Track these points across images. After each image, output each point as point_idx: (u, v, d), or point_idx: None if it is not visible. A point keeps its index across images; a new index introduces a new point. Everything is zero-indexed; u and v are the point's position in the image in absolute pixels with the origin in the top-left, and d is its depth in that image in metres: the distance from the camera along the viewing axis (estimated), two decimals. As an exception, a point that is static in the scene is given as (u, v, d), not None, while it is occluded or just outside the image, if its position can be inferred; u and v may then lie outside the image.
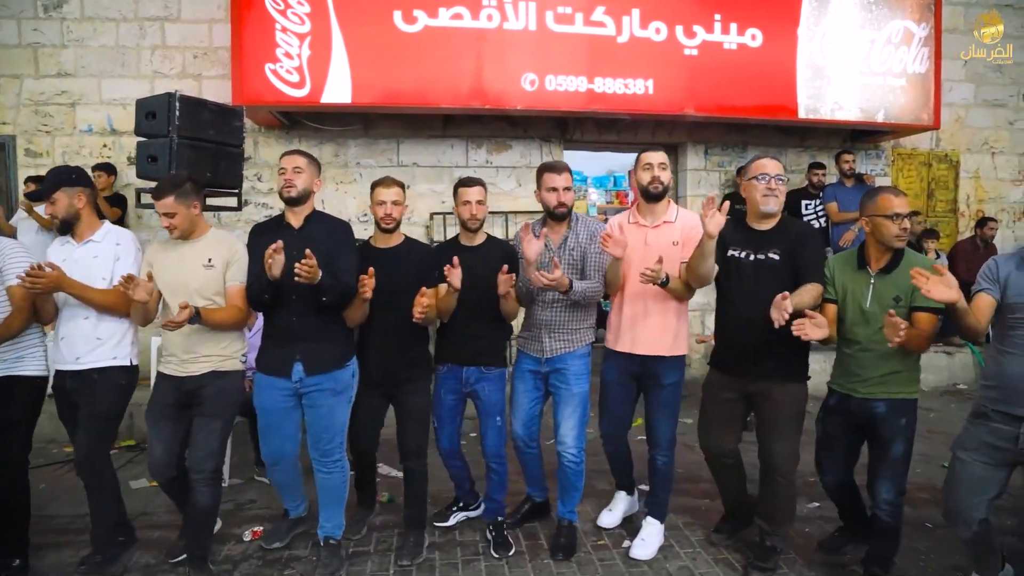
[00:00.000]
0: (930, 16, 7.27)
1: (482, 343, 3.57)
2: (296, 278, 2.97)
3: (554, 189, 3.43)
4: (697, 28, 6.55)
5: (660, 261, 3.12)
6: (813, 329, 2.77)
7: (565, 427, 3.50)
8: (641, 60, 6.45)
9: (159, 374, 3.34)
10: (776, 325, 2.78)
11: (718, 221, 2.93)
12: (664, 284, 3.21)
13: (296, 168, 3.29)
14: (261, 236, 3.30)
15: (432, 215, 6.96)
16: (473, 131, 7.03)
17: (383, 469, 4.77)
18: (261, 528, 3.84)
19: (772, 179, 3.12)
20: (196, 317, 3.02)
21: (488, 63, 6.19)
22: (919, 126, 7.42)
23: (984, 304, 2.71)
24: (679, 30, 6.51)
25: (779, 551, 3.36)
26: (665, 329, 3.44)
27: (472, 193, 3.49)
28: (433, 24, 6.07)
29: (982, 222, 7.90)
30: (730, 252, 3.23)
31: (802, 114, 6.89)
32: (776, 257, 3.11)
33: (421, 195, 6.96)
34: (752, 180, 3.18)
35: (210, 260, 3.23)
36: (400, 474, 4.73)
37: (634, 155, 9.13)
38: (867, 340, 2.98)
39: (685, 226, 3.42)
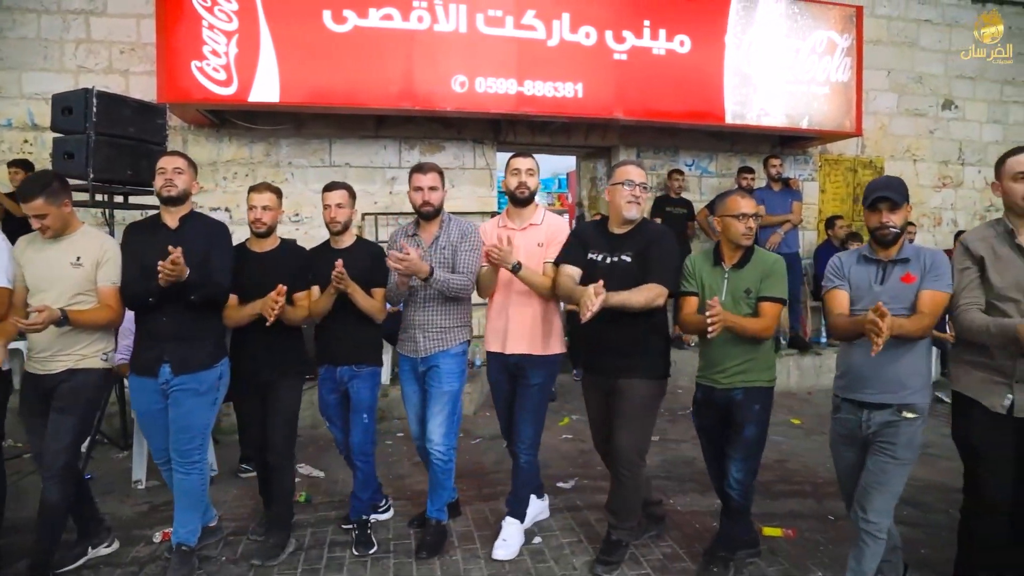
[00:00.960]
0: (852, 28, 7.52)
1: (353, 341, 3.61)
2: (160, 276, 2.99)
3: (419, 189, 3.52)
4: (627, 33, 6.67)
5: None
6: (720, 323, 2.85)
7: (433, 424, 3.55)
8: (571, 64, 6.53)
9: (24, 373, 3.29)
10: (581, 319, 2.90)
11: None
12: (515, 270, 3.33)
13: (176, 168, 3.33)
14: (135, 235, 3.35)
15: (364, 215, 6.95)
16: (406, 132, 7.04)
17: (304, 469, 4.77)
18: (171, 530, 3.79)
19: (637, 186, 3.25)
20: (64, 320, 3.00)
21: (418, 64, 6.20)
22: (842, 133, 7.66)
23: (842, 298, 2.87)
24: (608, 35, 6.62)
25: (625, 545, 3.45)
26: (534, 329, 3.53)
27: (333, 197, 3.59)
28: (363, 24, 6.07)
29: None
30: (590, 255, 3.33)
31: (729, 119, 7.06)
32: (628, 259, 3.23)
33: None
34: (617, 185, 3.28)
35: (79, 259, 3.19)
36: (321, 473, 4.76)
37: (571, 158, 9.31)
38: (723, 338, 3.07)
39: (550, 228, 3.56)
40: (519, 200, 3.57)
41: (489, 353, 3.69)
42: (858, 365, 2.83)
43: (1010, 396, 2.64)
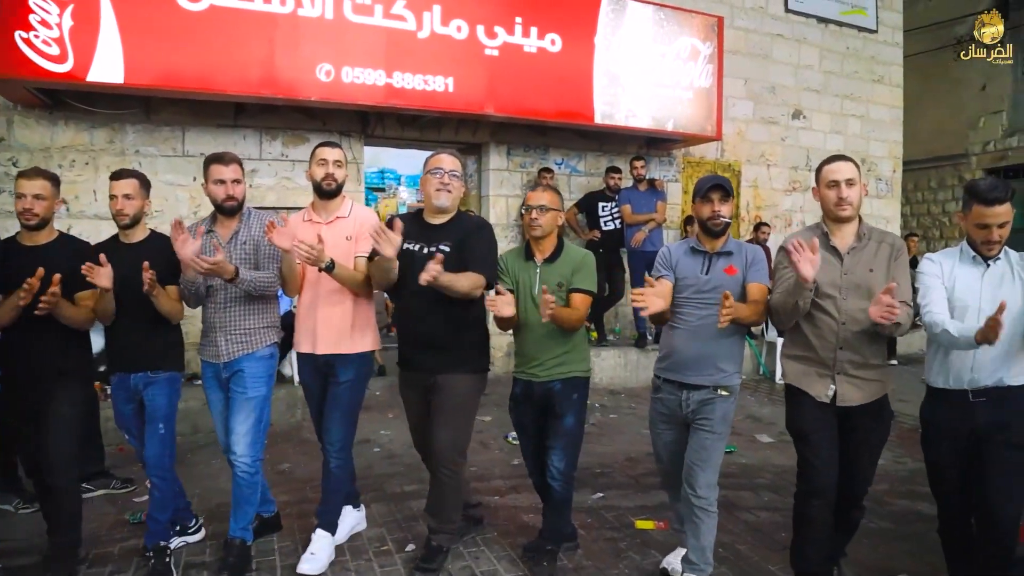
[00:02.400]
0: (714, 36, 7.83)
1: (146, 346, 3.27)
2: None
3: (222, 181, 3.25)
4: (498, 29, 6.61)
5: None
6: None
7: (237, 434, 3.27)
8: (442, 57, 6.39)
9: None
10: (422, 280, 2.85)
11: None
12: (329, 270, 3.17)
13: (36, 196, 3.08)
14: None
15: (222, 209, 6.51)
16: (268, 122, 6.65)
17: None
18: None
19: (446, 174, 3.21)
20: None
21: (281, 50, 5.85)
22: (704, 136, 7.96)
23: (667, 288, 3.00)
24: (480, 30, 6.53)
25: (446, 551, 3.35)
26: (344, 326, 3.38)
27: (120, 187, 3.25)
28: (220, 4, 5.63)
29: (758, 227, 8.62)
30: (406, 246, 3.20)
31: (598, 119, 7.16)
32: (447, 249, 3.14)
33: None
34: (427, 174, 3.24)
35: None
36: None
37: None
38: (538, 324, 3.14)
39: (358, 220, 3.40)
40: (326, 192, 3.38)
41: (300, 354, 3.49)
42: (678, 347, 3.02)
43: (833, 386, 2.85)
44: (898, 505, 4.16)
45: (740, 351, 3.09)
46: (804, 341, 2.91)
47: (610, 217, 7.44)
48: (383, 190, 14.22)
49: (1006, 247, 2.78)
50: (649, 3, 7.45)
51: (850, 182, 2.82)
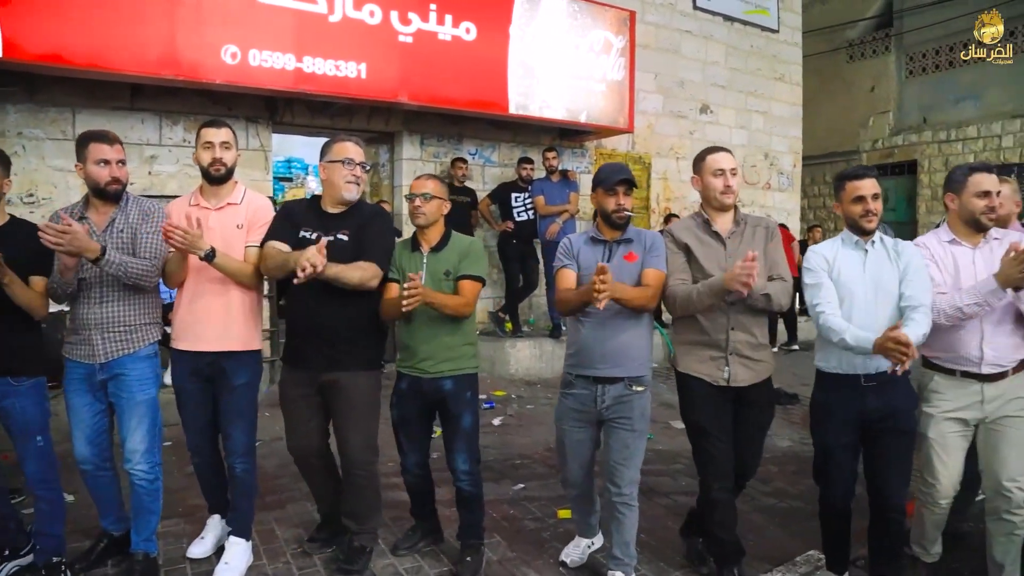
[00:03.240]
0: (626, 30, 7.94)
1: (5, 347, 2.93)
2: None
3: (106, 162, 2.97)
4: (412, 15, 6.49)
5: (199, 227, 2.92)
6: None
7: (133, 440, 3.04)
8: (354, 42, 6.22)
9: None
10: (295, 280, 2.76)
11: None
12: (209, 258, 2.95)
13: None
14: None
15: (118, 196, 6.13)
16: (168, 105, 6.29)
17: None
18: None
19: (357, 166, 3.10)
20: None
21: (183, 29, 5.55)
22: (616, 129, 8.08)
23: (570, 277, 3.03)
24: (394, 15, 6.40)
25: (369, 551, 3.29)
26: (232, 323, 3.15)
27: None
28: (114, -22, 5.30)
29: (667, 218, 8.83)
30: (302, 233, 3.08)
31: (512, 110, 7.15)
32: (345, 238, 3.07)
33: (104, 173, 6.10)
34: (336, 163, 3.09)
35: None
36: (71, 497, 4.02)
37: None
38: (425, 316, 3.10)
39: (251, 208, 3.22)
40: (215, 178, 3.13)
41: (176, 352, 3.20)
42: (587, 341, 3.01)
43: (727, 368, 2.96)
44: (806, 485, 4.32)
45: (649, 341, 3.10)
46: (697, 326, 3.01)
47: (523, 208, 7.44)
48: (291, 180, 13.75)
49: (881, 234, 2.95)
50: (563, -5, 7.48)
51: (733, 171, 2.99)
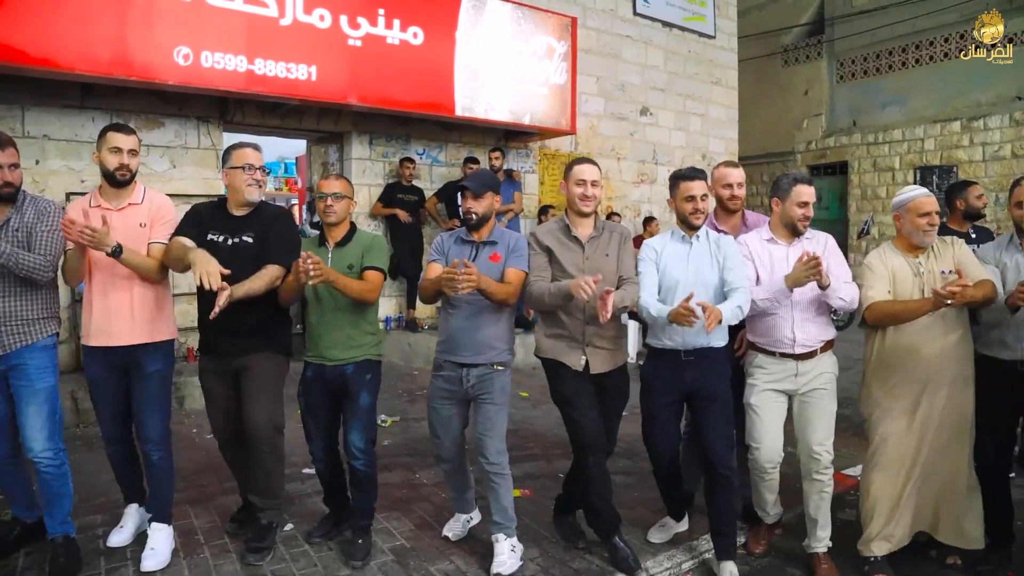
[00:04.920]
0: (567, 36, 8.27)
1: None
2: None
3: None
4: (361, 20, 6.70)
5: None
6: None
7: (32, 429, 3.13)
8: (304, 45, 6.41)
9: None
10: (218, 307, 2.89)
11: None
12: (115, 254, 3.03)
13: None
14: None
15: (69, 195, 6.20)
16: (119, 104, 6.38)
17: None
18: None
19: (257, 170, 3.29)
20: None
21: (134, 30, 5.66)
22: (559, 130, 8.41)
23: (435, 270, 3.27)
24: (343, 20, 6.60)
25: (276, 526, 3.47)
26: (143, 315, 3.27)
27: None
28: (63, -24, 5.37)
29: (609, 216, 9.18)
30: (210, 236, 3.25)
31: (459, 112, 7.41)
32: (250, 240, 3.26)
33: (55, 172, 6.15)
34: (236, 169, 3.25)
35: None
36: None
37: (302, 142, 9.07)
38: (329, 306, 3.32)
39: (153, 206, 3.33)
40: (119, 182, 3.23)
41: (88, 348, 3.30)
42: (455, 331, 3.30)
43: (584, 357, 3.27)
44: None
45: (510, 330, 3.39)
46: (558, 321, 3.31)
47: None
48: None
49: (706, 228, 3.34)
50: (507, 1, 7.78)
51: (595, 183, 3.28)
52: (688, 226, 3.29)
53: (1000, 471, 3.43)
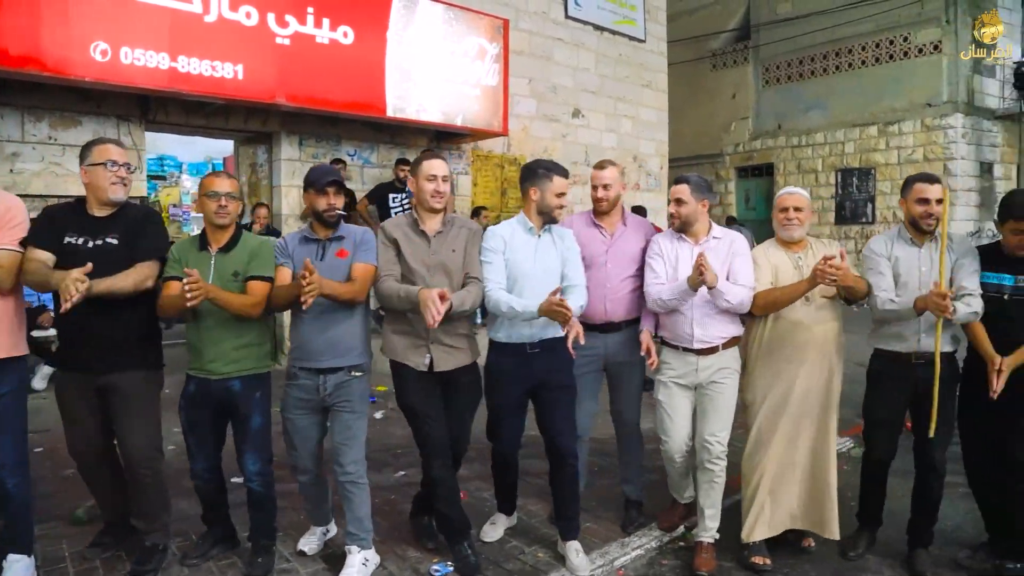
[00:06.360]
0: (499, 38, 8.31)
1: None
2: None
3: None
4: (290, 18, 6.59)
5: None
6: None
7: None
8: (230, 43, 6.27)
9: None
10: (62, 308, 2.73)
11: None
12: None
13: None
14: None
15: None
16: (32, 101, 6.12)
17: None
18: None
19: (121, 167, 3.06)
20: None
21: (48, 24, 5.44)
22: (491, 131, 8.44)
23: (284, 275, 3.15)
24: (271, 17, 6.48)
25: (162, 548, 3.27)
26: None
27: None
28: (-33, -36, 5.12)
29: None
30: (67, 239, 3.02)
31: (390, 113, 7.37)
32: (114, 241, 3.05)
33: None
34: (98, 166, 3.03)
35: None
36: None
37: (230, 142, 8.86)
38: (212, 316, 3.09)
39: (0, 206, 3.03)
40: None
41: None
42: (306, 336, 3.17)
43: (429, 355, 3.22)
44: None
45: (364, 330, 3.28)
46: (404, 318, 3.23)
47: (400, 208, 7.67)
48: (164, 178, 13.23)
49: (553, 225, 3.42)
50: (439, 2, 7.76)
51: (445, 178, 3.25)
52: (551, 219, 3.36)
53: (885, 463, 3.60)
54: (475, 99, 8.10)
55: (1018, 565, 3.33)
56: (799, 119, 15.34)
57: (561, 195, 3.32)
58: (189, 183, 10.29)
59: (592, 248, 3.62)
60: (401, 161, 7.86)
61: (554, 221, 3.40)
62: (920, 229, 3.37)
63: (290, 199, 7.73)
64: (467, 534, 3.35)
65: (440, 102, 7.78)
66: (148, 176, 10.29)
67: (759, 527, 3.47)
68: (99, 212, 3.09)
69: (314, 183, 3.13)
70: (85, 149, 3.09)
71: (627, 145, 11.32)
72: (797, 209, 3.42)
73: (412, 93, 7.51)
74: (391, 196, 7.70)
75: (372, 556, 3.27)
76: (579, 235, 3.59)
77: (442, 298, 2.92)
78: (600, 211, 3.70)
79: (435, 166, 3.23)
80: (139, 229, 3.10)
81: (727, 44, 16.71)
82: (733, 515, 3.67)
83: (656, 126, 11.86)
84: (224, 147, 9.74)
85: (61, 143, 6.30)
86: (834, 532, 3.48)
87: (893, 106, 13.81)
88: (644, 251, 3.63)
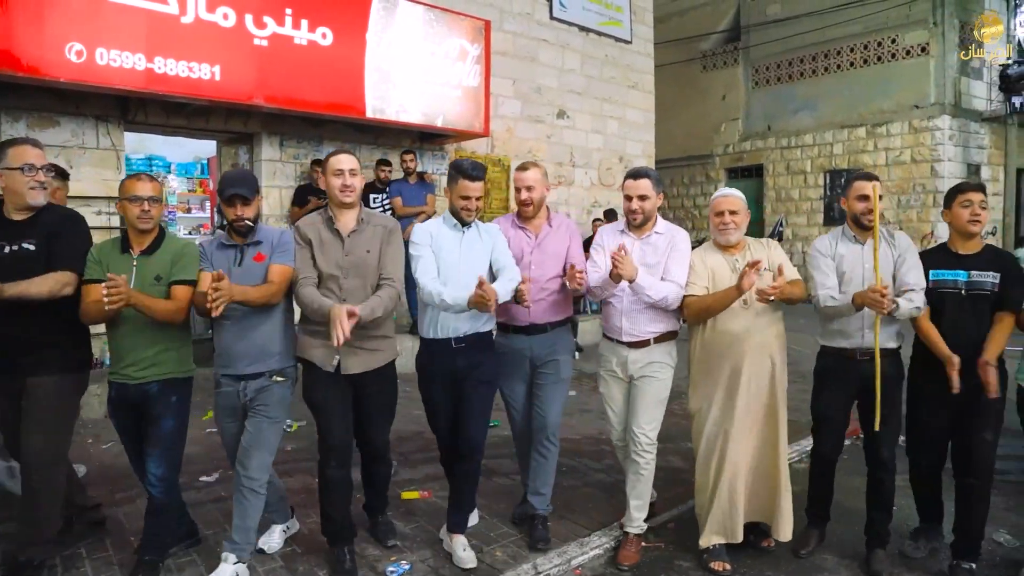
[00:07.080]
0: (481, 39, 8.32)
1: None
2: None
3: None
4: (268, 19, 6.59)
5: None
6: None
7: None
8: (208, 44, 6.27)
9: None
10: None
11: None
12: None
13: None
14: None
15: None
16: (9, 101, 6.12)
17: None
18: None
19: (39, 171, 3.01)
20: None
21: (21, 24, 5.44)
22: (473, 133, 8.46)
23: (204, 280, 3.05)
24: (249, 19, 6.48)
25: (37, 564, 3.11)
26: None
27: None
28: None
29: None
30: None
31: (370, 114, 7.37)
32: (31, 247, 3.00)
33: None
34: (14, 171, 2.97)
35: None
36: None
37: (212, 142, 8.83)
38: (132, 320, 3.03)
39: None
40: None
41: None
42: (227, 342, 3.16)
43: (337, 356, 3.21)
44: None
45: (285, 333, 3.26)
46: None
47: (381, 209, 7.69)
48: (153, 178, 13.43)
49: (477, 220, 3.46)
50: (419, 3, 7.77)
51: (352, 172, 3.23)
52: (460, 220, 3.40)
53: (831, 460, 3.66)
54: (456, 100, 8.12)
55: (972, 565, 3.36)
56: (788, 120, 15.36)
57: (466, 198, 3.32)
58: (176, 183, 10.26)
59: (516, 250, 3.61)
60: (382, 161, 7.87)
61: (463, 222, 3.39)
62: (862, 226, 3.42)
63: (271, 200, 7.72)
64: (350, 540, 3.34)
65: (420, 103, 7.78)
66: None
67: (716, 533, 3.49)
68: (17, 216, 3.03)
69: (220, 194, 3.09)
70: (0, 150, 3.00)
71: (613, 146, 11.35)
72: (732, 212, 3.44)
73: (392, 94, 7.52)
74: (371, 196, 7.71)
75: (244, 572, 3.17)
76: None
77: (351, 315, 2.92)
78: (525, 215, 3.68)
79: (341, 161, 3.22)
80: (58, 234, 3.03)
81: (717, 45, 16.74)
82: (695, 517, 3.70)
83: (643, 127, 11.88)
84: (212, 148, 9.75)
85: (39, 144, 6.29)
86: (787, 534, 3.50)
87: (881, 108, 13.84)
88: (569, 250, 3.65)
